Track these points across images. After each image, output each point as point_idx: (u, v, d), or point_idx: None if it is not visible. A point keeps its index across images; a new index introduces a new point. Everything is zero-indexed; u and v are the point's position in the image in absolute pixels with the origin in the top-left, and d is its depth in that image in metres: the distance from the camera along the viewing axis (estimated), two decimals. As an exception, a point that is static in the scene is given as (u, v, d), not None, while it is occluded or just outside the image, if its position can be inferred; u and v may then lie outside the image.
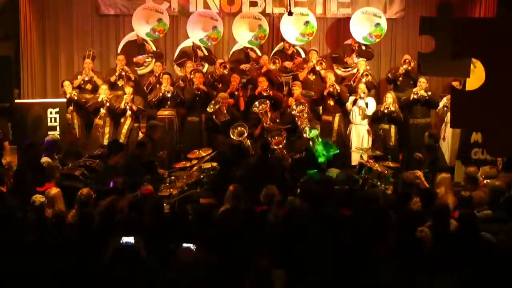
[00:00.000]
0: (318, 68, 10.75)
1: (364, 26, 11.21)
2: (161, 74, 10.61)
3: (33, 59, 11.47)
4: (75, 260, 5.18)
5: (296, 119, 9.75)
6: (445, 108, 9.91)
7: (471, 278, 4.71)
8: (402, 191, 6.95)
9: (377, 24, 11.19)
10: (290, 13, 10.53)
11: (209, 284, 4.84)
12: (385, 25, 11.21)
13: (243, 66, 11.13)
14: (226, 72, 10.75)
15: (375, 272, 5.03)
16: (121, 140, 9.96)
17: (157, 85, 10.61)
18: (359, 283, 5.02)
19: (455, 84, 9.08)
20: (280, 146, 9.18)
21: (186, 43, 11.52)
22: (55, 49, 11.91)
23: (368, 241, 5.36)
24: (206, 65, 11.37)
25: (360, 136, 10.29)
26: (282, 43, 11.45)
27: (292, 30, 11.23)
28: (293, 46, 11.36)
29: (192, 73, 10.56)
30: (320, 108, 10.67)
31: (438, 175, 7.40)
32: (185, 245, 5.02)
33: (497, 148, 6.62)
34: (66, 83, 10.56)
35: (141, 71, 11.28)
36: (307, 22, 11.24)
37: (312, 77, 10.83)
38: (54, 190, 6.81)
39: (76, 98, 10.35)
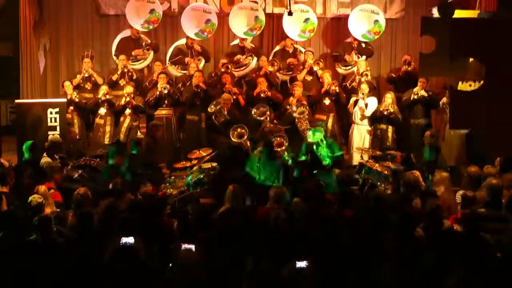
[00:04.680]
0: (315, 68, 10.74)
1: (362, 24, 11.22)
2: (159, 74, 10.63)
3: (33, 59, 11.47)
4: (75, 260, 5.19)
5: (296, 120, 9.75)
6: (445, 108, 9.91)
7: (471, 278, 4.71)
8: (404, 191, 6.95)
9: (376, 21, 11.20)
10: (290, 13, 10.53)
11: (209, 285, 4.85)
12: (384, 21, 11.21)
13: (237, 58, 11.13)
14: (227, 71, 10.73)
15: (375, 272, 5.04)
16: (120, 139, 9.98)
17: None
18: (359, 283, 5.03)
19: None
20: (283, 147, 9.17)
21: (180, 41, 11.51)
22: (55, 49, 11.92)
23: (368, 241, 5.37)
24: (203, 61, 11.35)
25: (362, 136, 10.30)
26: (283, 42, 11.42)
27: (293, 27, 11.23)
28: (294, 44, 11.32)
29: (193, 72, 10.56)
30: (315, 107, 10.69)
31: (437, 174, 7.40)
32: (185, 245, 5.02)
33: (497, 147, 6.62)
34: (67, 83, 10.58)
35: (140, 65, 11.28)
36: (307, 19, 11.25)
37: (309, 77, 10.84)
38: (42, 189, 6.80)
39: (77, 100, 10.36)
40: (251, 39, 11.50)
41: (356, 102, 10.24)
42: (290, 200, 6.47)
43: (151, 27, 11.22)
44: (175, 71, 11.17)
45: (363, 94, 10.12)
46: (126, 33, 11.48)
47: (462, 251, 5.02)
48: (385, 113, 9.97)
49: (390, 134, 10.14)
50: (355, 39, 11.21)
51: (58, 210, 6.68)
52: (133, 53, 11.22)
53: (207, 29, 11.18)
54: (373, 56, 11.65)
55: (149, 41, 11.37)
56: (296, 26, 11.26)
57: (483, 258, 4.92)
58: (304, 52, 11.18)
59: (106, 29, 12.04)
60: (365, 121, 10.32)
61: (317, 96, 10.48)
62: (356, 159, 9.89)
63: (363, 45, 11.26)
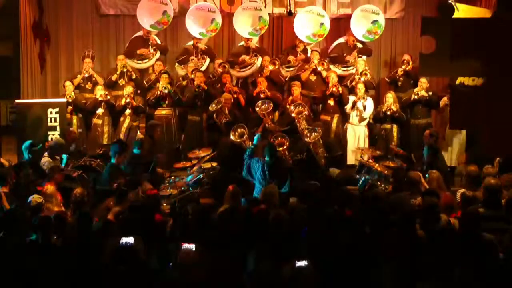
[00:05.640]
0: (319, 68, 10.73)
1: (362, 24, 11.17)
2: (161, 73, 10.61)
3: (33, 59, 11.45)
4: (75, 260, 5.19)
5: (296, 121, 9.74)
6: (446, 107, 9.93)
7: (471, 278, 4.71)
8: (405, 190, 6.94)
9: (375, 21, 11.14)
10: (290, 13, 10.50)
11: (209, 285, 4.85)
12: (383, 21, 11.13)
13: (242, 58, 11.12)
14: (225, 71, 10.72)
15: (375, 272, 5.04)
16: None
17: (156, 84, 10.61)
18: (359, 283, 5.03)
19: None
20: (284, 147, 9.17)
21: (189, 43, 11.51)
22: (55, 49, 11.92)
23: (368, 241, 5.37)
24: (208, 60, 11.35)
25: (356, 137, 10.30)
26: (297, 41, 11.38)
27: (305, 28, 11.15)
28: (306, 45, 11.31)
29: (193, 72, 10.55)
30: (319, 107, 10.68)
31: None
32: (185, 245, 5.02)
33: (497, 147, 6.62)
34: (67, 83, 10.58)
35: (145, 64, 11.24)
36: (321, 24, 11.17)
37: (313, 77, 10.81)
38: (50, 188, 6.81)
39: (71, 100, 10.34)
40: (256, 40, 11.48)
41: (353, 105, 10.22)
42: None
43: (160, 27, 11.20)
44: (181, 71, 11.14)
45: (364, 98, 10.12)
46: (140, 32, 11.41)
47: (461, 250, 5.04)
48: (389, 112, 9.97)
49: (395, 134, 10.16)
50: (353, 39, 11.18)
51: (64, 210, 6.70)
52: (138, 52, 11.21)
53: (212, 28, 11.17)
54: (373, 56, 11.62)
55: (158, 41, 11.34)
56: (308, 28, 11.14)
57: (482, 258, 4.92)
58: (311, 51, 11.16)
59: (106, 29, 12.01)
60: (363, 123, 10.33)
61: (321, 98, 10.48)
62: (351, 158, 9.91)
63: (361, 45, 11.24)
